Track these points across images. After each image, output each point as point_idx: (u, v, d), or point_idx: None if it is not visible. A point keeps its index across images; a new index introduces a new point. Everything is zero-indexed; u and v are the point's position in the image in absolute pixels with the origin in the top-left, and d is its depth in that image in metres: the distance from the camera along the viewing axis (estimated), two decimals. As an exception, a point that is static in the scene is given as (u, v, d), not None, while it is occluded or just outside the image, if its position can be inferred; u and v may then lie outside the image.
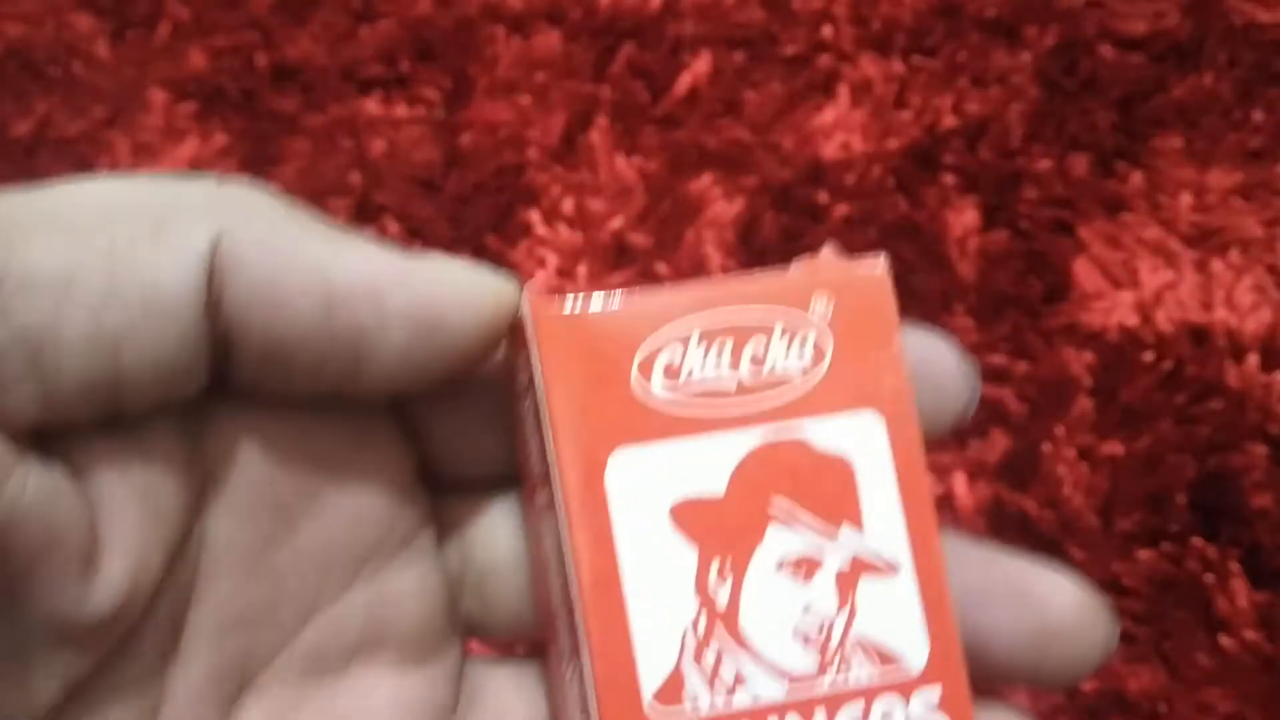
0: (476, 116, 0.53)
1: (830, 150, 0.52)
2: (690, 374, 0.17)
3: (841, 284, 0.18)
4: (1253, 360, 0.47)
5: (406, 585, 0.19)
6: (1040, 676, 0.19)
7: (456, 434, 0.20)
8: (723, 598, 0.17)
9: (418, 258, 0.17)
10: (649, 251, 0.50)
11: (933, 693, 0.17)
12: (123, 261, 0.15)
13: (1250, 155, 0.52)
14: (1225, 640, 0.43)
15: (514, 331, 0.18)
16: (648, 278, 0.50)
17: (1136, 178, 0.51)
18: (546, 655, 0.19)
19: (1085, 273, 0.50)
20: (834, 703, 0.17)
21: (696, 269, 0.50)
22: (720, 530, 0.17)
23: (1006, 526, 0.45)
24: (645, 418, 0.17)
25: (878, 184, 0.51)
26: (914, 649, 0.17)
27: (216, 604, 0.18)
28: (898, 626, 0.17)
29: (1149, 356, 0.48)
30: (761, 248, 0.50)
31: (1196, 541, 0.44)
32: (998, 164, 0.52)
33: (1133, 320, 0.48)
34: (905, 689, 0.17)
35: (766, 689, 0.17)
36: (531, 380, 0.17)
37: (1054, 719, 0.42)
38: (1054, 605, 0.19)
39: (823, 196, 0.51)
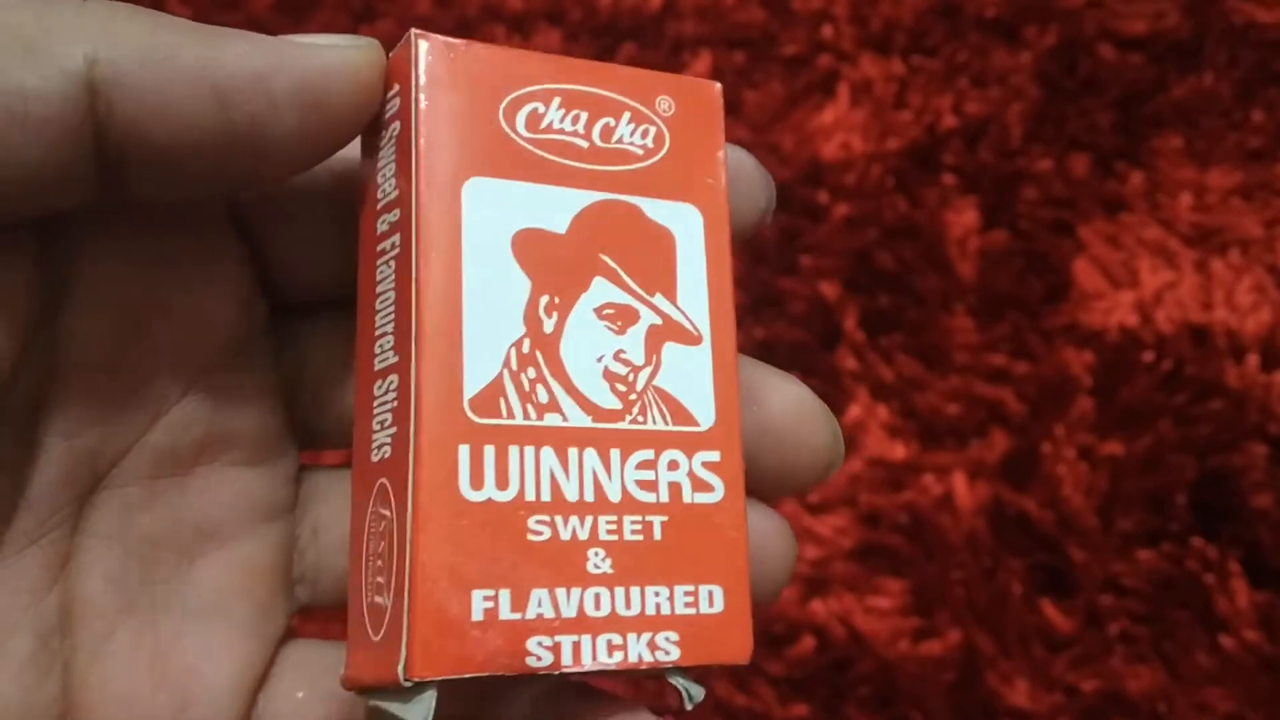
0: (476, 116, 0.53)
1: (830, 150, 0.52)
2: (550, 125, 0.19)
3: (685, 92, 0.20)
4: (1253, 360, 0.47)
5: (246, 389, 0.20)
6: (760, 477, 0.20)
7: (296, 252, 0.21)
8: (547, 328, 0.18)
9: (290, 39, 0.18)
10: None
11: (712, 455, 0.19)
12: None
13: (1250, 155, 0.52)
14: (1225, 640, 0.43)
15: (391, 76, 0.19)
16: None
17: (1136, 178, 0.51)
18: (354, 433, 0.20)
19: (1085, 273, 0.50)
20: (630, 443, 0.19)
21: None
22: (554, 268, 0.19)
23: (1006, 526, 0.45)
24: (505, 152, 0.19)
25: (878, 184, 0.51)
26: (703, 412, 0.19)
27: (69, 401, 0.18)
28: (692, 390, 0.19)
29: (1149, 356, 0.48)
30: (761, 248, 0.50)
31: (1196, 541, 0.44)
32: (998, 164, 0.52)
33: (1133, 320, 0.48)
34: (690, 446, 0.19)
35: (574, 416, 0.18)
36: (400, 112, 0.19)
37: (1054, 719, 0.42)
38: (772, 404, 0.20)
39: (823, 196, 0.51)
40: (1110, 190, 0.51)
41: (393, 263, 0.18)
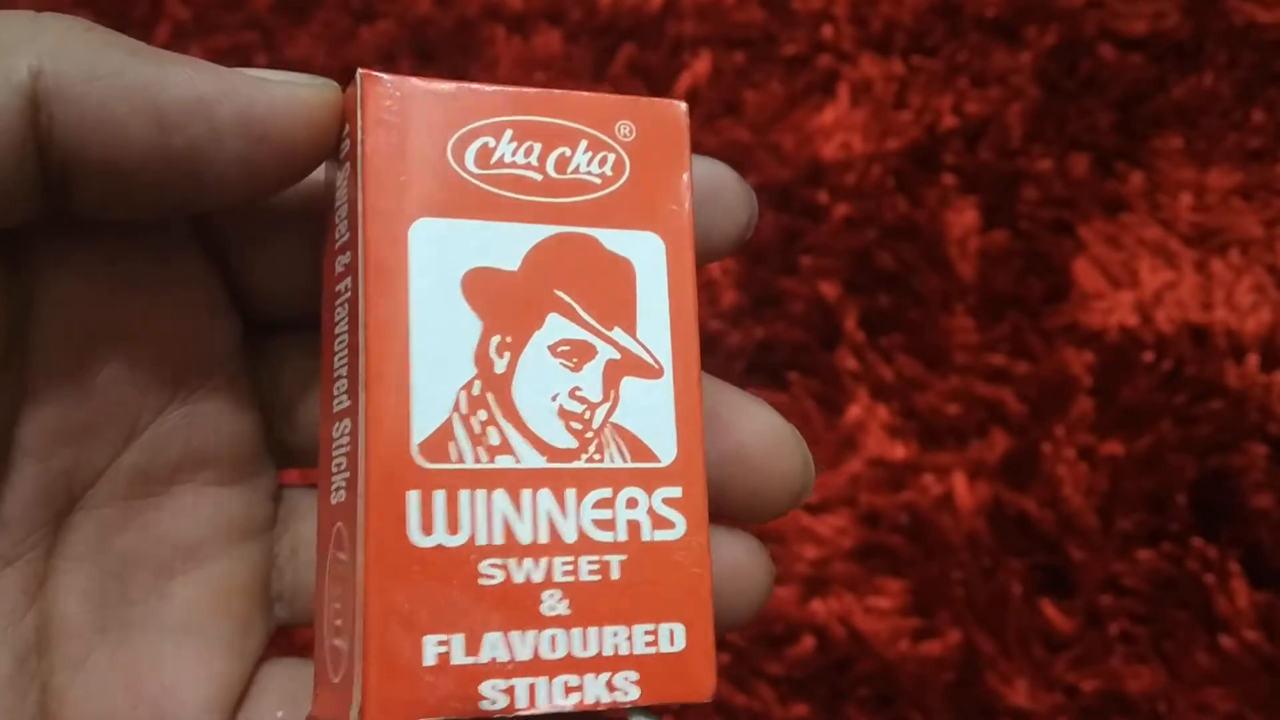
0: (476, 116, 0.53)
1: (830, 150, 0.52)
2: (501, 160, 0.19)
3: (645, 115, 0.20)
4: (1253, 360, 0.47)
5: (221, 407, 0.20)
6: (730, 505, 0.20)
7: (268, 270, 0.21)
8: (499, 368, 0.18)
9: (242, 71, 0.17)
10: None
11: (674, 491, 0.19)
12: None
13: (1250, 155, 0.52)
14: (1225, 640, 0.43)
15: (346, 117, 0.19)
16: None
17: (1136, 178, 0.51)
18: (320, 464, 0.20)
19: (1085, 273, 0.50)
20: (586, 482, 0.18)
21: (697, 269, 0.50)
22: (506, 307, 0.18)
23: (1006, 526, 0.45)
24: (453, 191, 0.18)
25: (878, 184, 0.51)
26: (664, 448, 0.19)
27: (42, 422, 0.18)
28: (653, 424, 0.19)
29: (1149, 356, 0.48)
30: (761, 248, 0.50)
31: (1196, 541, 0.44)
32: (998, 164, 0.52)
33: (1133, 320, 0.48)
34: (650, 482, 0.19)
35: (526, 458, 0.18)
36: (349, 154, 0.18)
37: (1054, 719, 0.42)
38: (743, 431, 0.20)
39: (823, 196, 0.51)
40: (1110, 190, 0.51)
41: (346, 305, 0.18)
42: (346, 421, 0.18)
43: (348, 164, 0.19)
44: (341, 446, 0.18)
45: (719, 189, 0.21)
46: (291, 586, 0.21)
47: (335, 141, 0.18)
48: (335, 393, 0.19)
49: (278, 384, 0.21)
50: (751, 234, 0.21)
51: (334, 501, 0.18)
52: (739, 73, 0.54)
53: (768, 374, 0.48)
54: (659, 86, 0.54)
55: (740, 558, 0.20)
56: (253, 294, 0.21)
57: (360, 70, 0.18)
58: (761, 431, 0.20)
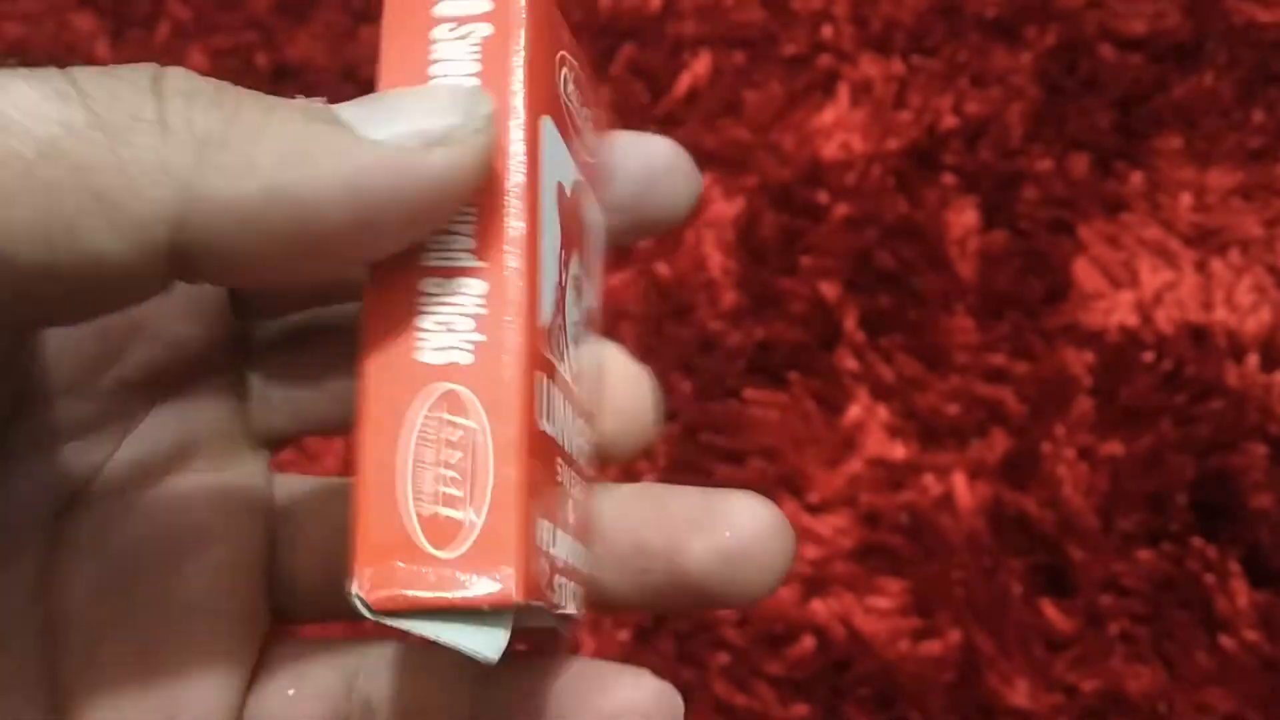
0: (476, 116, 0.53)
1: (830, 150, 0.52)
2: (570, 92, 0.19)
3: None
4: (1253, 360, 0.47)
5: (211, 395, 0.21)
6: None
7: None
8: (564, 281, 0.19)
9: (387, 140, 0.16)
10: (649, 252, 0.50)
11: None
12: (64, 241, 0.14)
13: (1250, 155, 0.52)
14: (1225, 640, 0.43)
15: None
16: (646, 276, 0.50)
17: (1136, 178, 0.51)
18: None
19: (1085, 273, 0.50)
20: (582, 408, 0.19)
21: (697, 269, 0.50)
22: (565, 228, 0.19)
23: (1006, 526, 0.45)
24: (556, 102, 0.18)
25: (878, 184, 0.51)
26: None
27: (42, 420, 0.19)
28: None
29: (1149, 356, 0.48)
30: (761, 247, 0.50)
31: (1196, 541, 0.44)
32: (998, 164, 0.52)
33: (1133, 320, 0.48)
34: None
35: (568, 372, 0.18)
36: (493, 13, 0.18)
37: (1054, 719, 0.42)
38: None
39: (823, 196, 0.51)
40: (1110, 190, 0.51)
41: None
42: (470, 281, 0.17)
43: (484, 24, 0.17)
44: (458, 306, 0.17)
45: (663, 165, 0.21)
46: (288, 569, 0.21)
47: (468, 194, 0.17)
48: (435, 247, 0.17)
49: (265, 368, 0.21)
50: (695, 209, 0.22)
51: (438, 361, 0.17)
52: (739, 73, 0.54)
53: (768, 374, 0.48)
54: (659, 86, 0.54)
55: (766, 521, 0.20)
56: (254, 296, 0.21)
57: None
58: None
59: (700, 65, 0.54)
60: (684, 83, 0.53)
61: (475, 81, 0.17)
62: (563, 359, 0.18)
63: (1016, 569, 0.45)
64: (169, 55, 0.56)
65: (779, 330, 0.49)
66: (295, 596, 0.21)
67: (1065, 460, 0.46)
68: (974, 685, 0.43)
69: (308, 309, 0.22)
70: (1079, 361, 0.48)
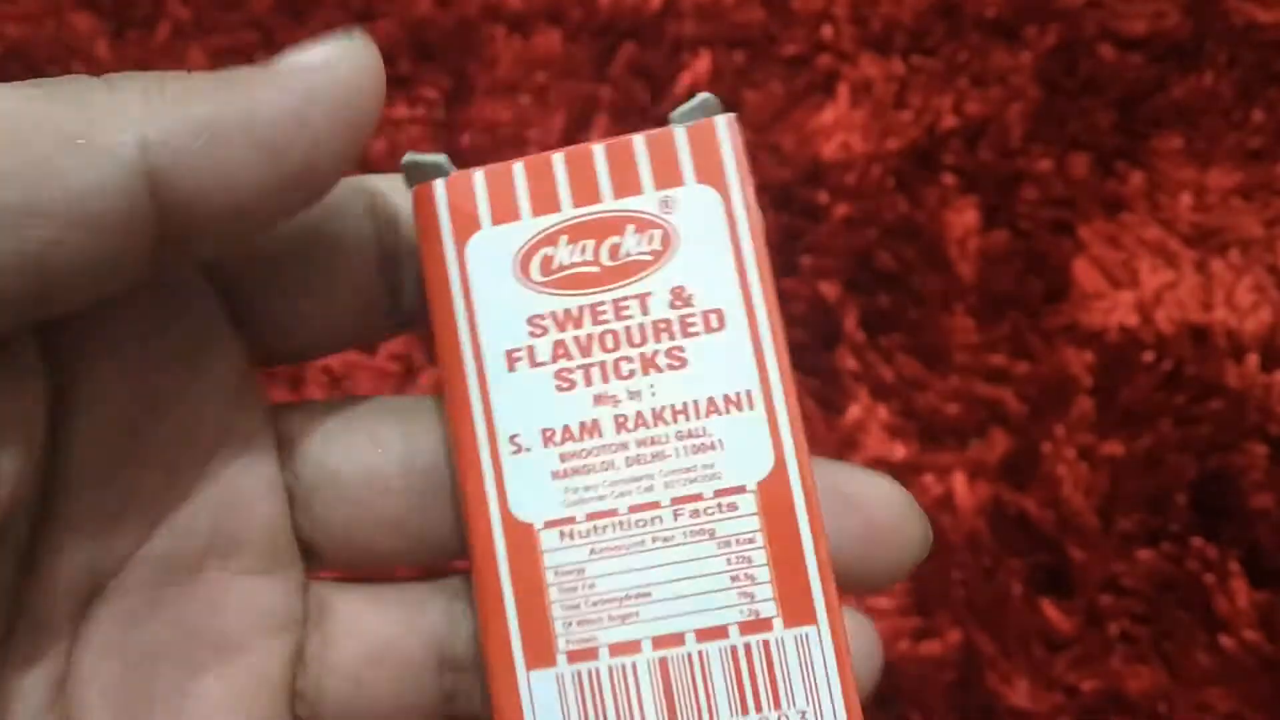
0: (476, 116, 0.53)
1: (830, 150, 0.52)
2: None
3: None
4: (1253, 360, 0.47)
5: (251, 489, 0.20)
6: (866, 577, 0.20)
7: (282, 310, 0.20)
8: None
9: (276, 67, 0.18)
10: (649, 251, 0.50)
11: None
12: (41, 176, 0.15)
13: (1250, 155, 0.52)
14: (1225, 640, 0.43)
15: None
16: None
17: (1136, 178, 0.51)
18: None
19: (1085, 273, 0.50)
20: None
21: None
22: None
23: (1006, 526, 0.45)
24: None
25: (878, 184, 0.51)
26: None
27: (69, 517, 0.18)
28: None
29: (1149, 356, 0.48)
30: (761, 248, 0.50)
31: (1196, 541, 0.44)
32: (998, 164, 0.52)
33: (1133, 320, 0.48)
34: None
35: None
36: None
37: (1054, 719, 0.42)
38: (875, 505, 0.20)
39: (823, 196, 0.51)
40: (1110, 190, 0.51)
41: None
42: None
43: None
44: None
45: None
46: (315, 683, 0.20)
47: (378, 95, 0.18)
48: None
49: (300, 469, 0.20)
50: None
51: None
52: (739, 73, 0.54)
53: (768, 374, 0.48)
54: (659, 86, 0.54)
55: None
56: (273, 343, 0.20)
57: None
58: (887, 504, 0.20)
59: (700, 65, 0.54)
60: (684, 83, 0.53)
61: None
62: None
63: (1016, 569, 0.45)
64: (169, 55, 0.56)
65: (779, 330, 0.49)
66: (317, 706, 0.20)
67: (1065, 460, 0.46)
68: (974, 685, 0.43)
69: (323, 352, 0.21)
70: (1079, 361, 0.48)
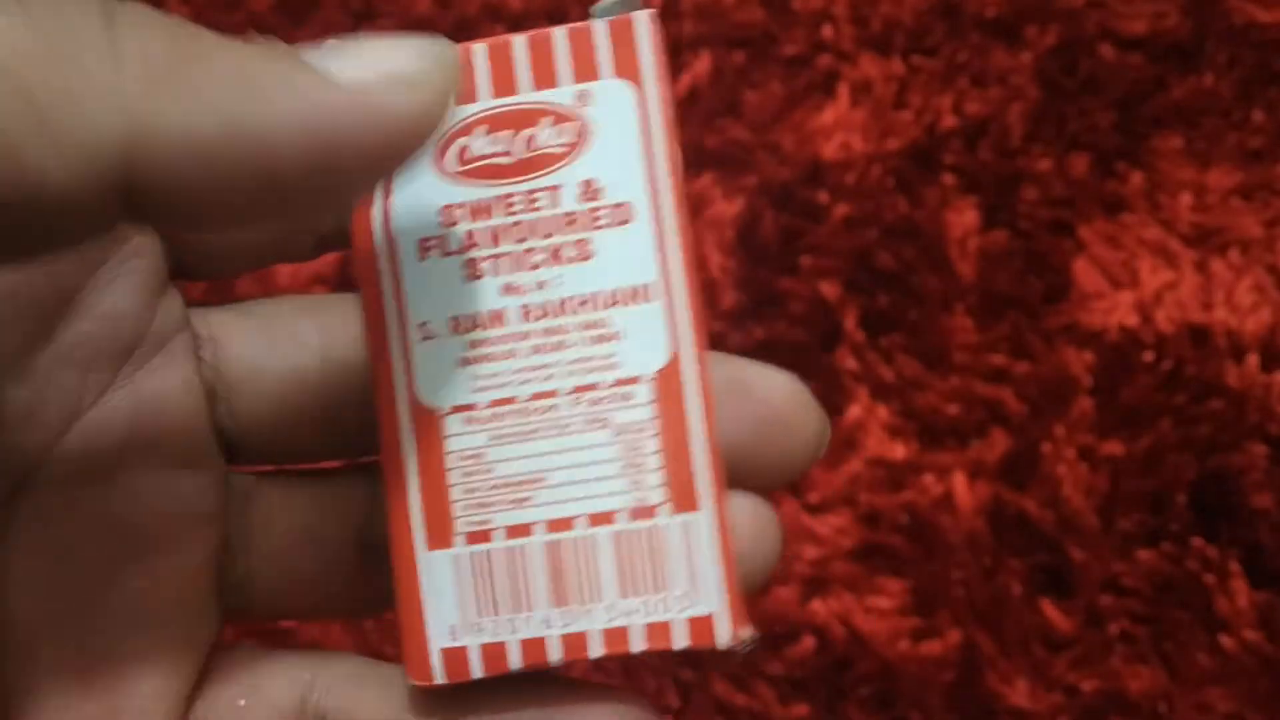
0: (476, 116, 0.53)
1: (830, 150, 0.52)
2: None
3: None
4: (1253, 360, 0.47)
5: (168, 386, 0.19)
6: (762, 469, 0.20)
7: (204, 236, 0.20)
8: None
9: (335, 73, 0.15)
10: (649, 251, 0.50)
11: None
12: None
13: (1250, 155, 0.52)
14: (1225, 640, 0.43)
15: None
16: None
17: (1136, 178, 0.51)
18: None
19: (1085, 273, 0.50)
20: None
21: (697, 269, 0.50)
22: None
23: (1006, 526, 0.45)
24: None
25: (878, 184, 0.51)
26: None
27: None
28: None
29: (1149, 356, 0.48)
30: (761, 247, 0.50)
31: (1196, 541, 0.44)
32: (998, 164, 0.52)
33: (1133, 320, 0.48)
34: None
35: None
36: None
37: (1054, 719, 0.42)
38: (772, 396, 0.20)
39: (823, 196, 0.51)
40: (1110, 190, 0.51)
41: None
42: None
43: None
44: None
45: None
46: (244, 573, 0.21)
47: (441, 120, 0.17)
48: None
49: (221, 365, 0.20)
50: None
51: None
52: (739, 73, 0.54)
53: (768, 374, 0.48)
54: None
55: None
56: (196, 263, 0.20)
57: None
58: (790, 396, 0.20)
59: (700, 65, 0.54)
60: (684, 83, 0.53)
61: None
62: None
63: (1016, 569, 0.45)
64: (169, 55, 0.56)
65: (779, 330, 0.49)
66: (250, 598, 0.21)
67: (1065, 460, 0.46)
68: (974, 685, 0.43)
69: (246, 269, 0.21)
70: (1079, 361, 0.48)
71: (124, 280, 0.19)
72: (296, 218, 0.17)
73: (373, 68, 0.15)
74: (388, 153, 0.15)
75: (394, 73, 0.15)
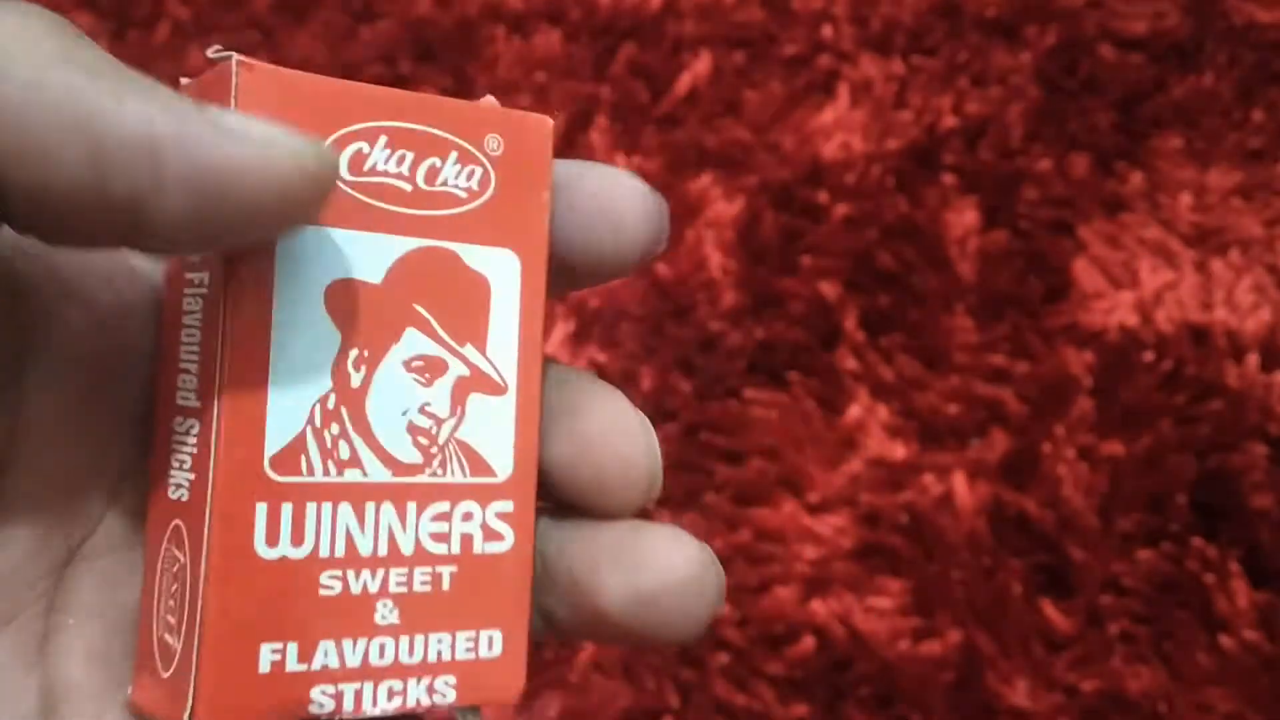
0: (476, 116, 0.53)
1: (830, 150, 0.52)
2: (374, 168, 0.18)
3: (513, 129, 0.20)
4: (1253, 360, 0.47)
5: None
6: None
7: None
8: (355, 382, 0.18)
9: (215, 112, 0.15)
10: (649, 251, 0.50)
11: (506, 505, 0.19)
12: None
13: (1250, 155, 0.52)
14: (1225, 640, 0.43)
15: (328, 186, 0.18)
16: (646, 277, 0.50)
17: (1136, 178, 0.51)
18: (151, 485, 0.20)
19: (1085, 273, 0.50)
20: (427, 496, 0.19)
21: (697, 269, 0.50)
22: (366, 320, 0.18)
23: (1006, 526, 0.45)
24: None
25: (878, 184, 0.51)
26: (501, 463, 0.19)
27: (36, 469, 0.17)
28: (493, 440, 0.19)
29: (1149, 356, 0.48)
30: (761, 247, 0.50)
31: (1196, 541, 0.44)
32: (998, 164, 0.52)
33: (1133, 320, 0.48)
34: (485, 497, 0.19)
35: (374, 471, 0.19)
36: None
37: (1054, 719, 0.42)
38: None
39: (823, 196, 0.51)
40: (1110, 190, 0.51)
41: (200, 299, 0.18)
42: (193, 422, 0.18)
43: None
44: (185, 445, 0.18)
45: (615, 200, 0.19)
46: None
47: (313, 214, 0.17)
48: (180, 385, 0.18)
49: None
50: (662, 250, 0.20)
51: (173, 497, 0.18)
52: (739, 73, 0.54)
53: (768, 374, 0.48)
54: (659, 86, 0.54)
55: (685, 564, 0.19)
56: None
57: (235, 55, 0.17)
58: (609, 423, 0.20)
59: (700, 65, 0.54)
60: (684, 83, 0.53)
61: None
62: (342, 465, 0.18)
63: (1016, 569, 0.45)
64: (169, 55, 0.56)
65: (779, 330, 0.49)
66: None
67: (1065, 460, 0.46)
68: (974, 685, 0.43)
69: None
70: (1079, 361, 0.48)
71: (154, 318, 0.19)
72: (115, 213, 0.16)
73: (266, 126, 0.16)
74: (267, 205, 0.15)
75: (281, 136, 0.16)
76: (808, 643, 0.43)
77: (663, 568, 0.19)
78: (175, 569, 0.18)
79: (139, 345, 0.18)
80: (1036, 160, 0.52)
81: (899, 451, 0.46)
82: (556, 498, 0.20)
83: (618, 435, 0.20)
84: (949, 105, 0.53)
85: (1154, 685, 0.43)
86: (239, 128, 0.15)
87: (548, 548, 0.20)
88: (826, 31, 0.55)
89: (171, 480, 0.18)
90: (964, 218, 0.51)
